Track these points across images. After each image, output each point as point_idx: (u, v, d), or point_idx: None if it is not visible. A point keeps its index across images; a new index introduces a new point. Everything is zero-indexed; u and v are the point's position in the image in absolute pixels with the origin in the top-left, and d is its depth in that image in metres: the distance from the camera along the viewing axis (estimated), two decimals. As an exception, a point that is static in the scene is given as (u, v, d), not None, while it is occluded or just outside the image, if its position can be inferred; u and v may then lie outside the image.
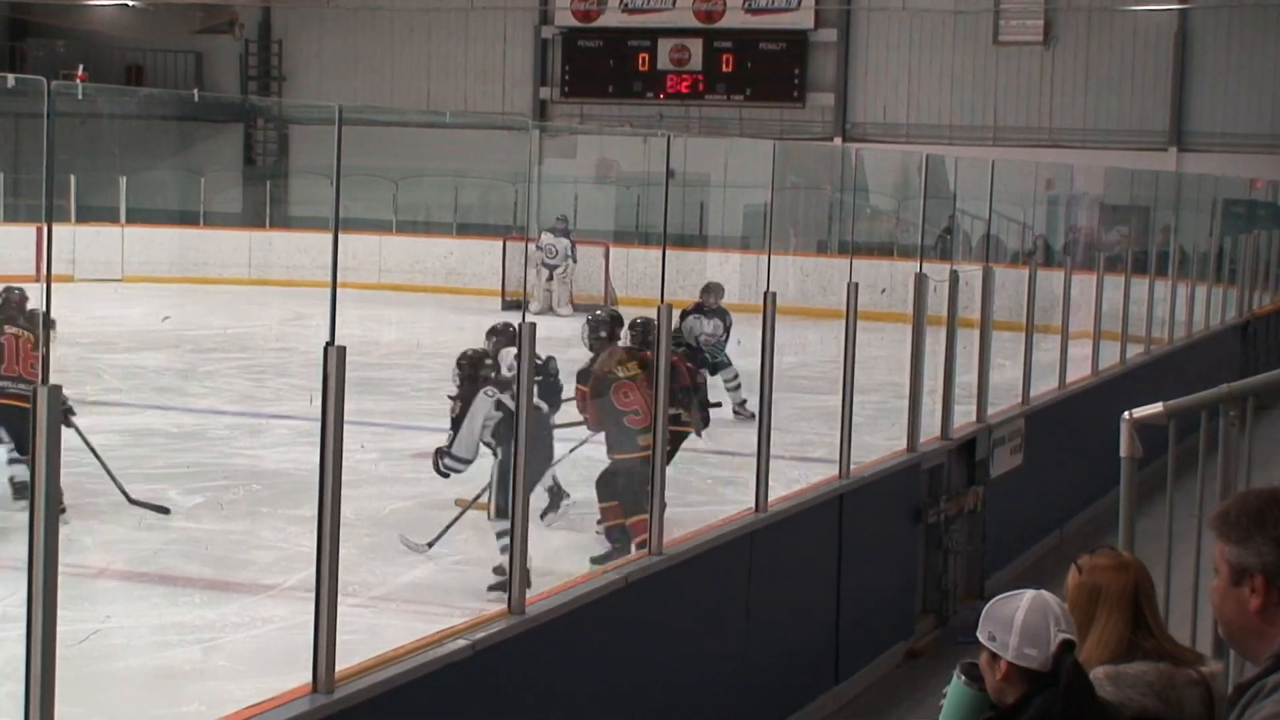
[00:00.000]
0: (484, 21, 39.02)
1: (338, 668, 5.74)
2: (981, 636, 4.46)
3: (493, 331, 12.13)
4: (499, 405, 10.49)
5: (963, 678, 4.53)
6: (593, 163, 36.38)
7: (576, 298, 28.44)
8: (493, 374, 10.91)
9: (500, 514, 10.15)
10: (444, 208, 36.33)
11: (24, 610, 4.65)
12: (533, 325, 7.08)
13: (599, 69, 38.45)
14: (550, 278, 28.85)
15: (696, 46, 37.83)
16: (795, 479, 11.18)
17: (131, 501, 12.20)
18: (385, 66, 39.71)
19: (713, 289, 17.78)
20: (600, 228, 32.76)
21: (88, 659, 8.40)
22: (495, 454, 10.47)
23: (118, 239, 33.16)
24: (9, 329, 12.93)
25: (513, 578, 6.85)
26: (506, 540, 8.51)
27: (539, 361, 11.87)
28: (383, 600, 9.96)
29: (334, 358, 5.60)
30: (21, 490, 11.33)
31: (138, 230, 33.81)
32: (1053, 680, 4.35)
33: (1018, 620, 4.40)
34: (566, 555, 10.94)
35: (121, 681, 8.34)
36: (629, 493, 10.64)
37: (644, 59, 38.15)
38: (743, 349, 15.45)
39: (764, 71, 37.20)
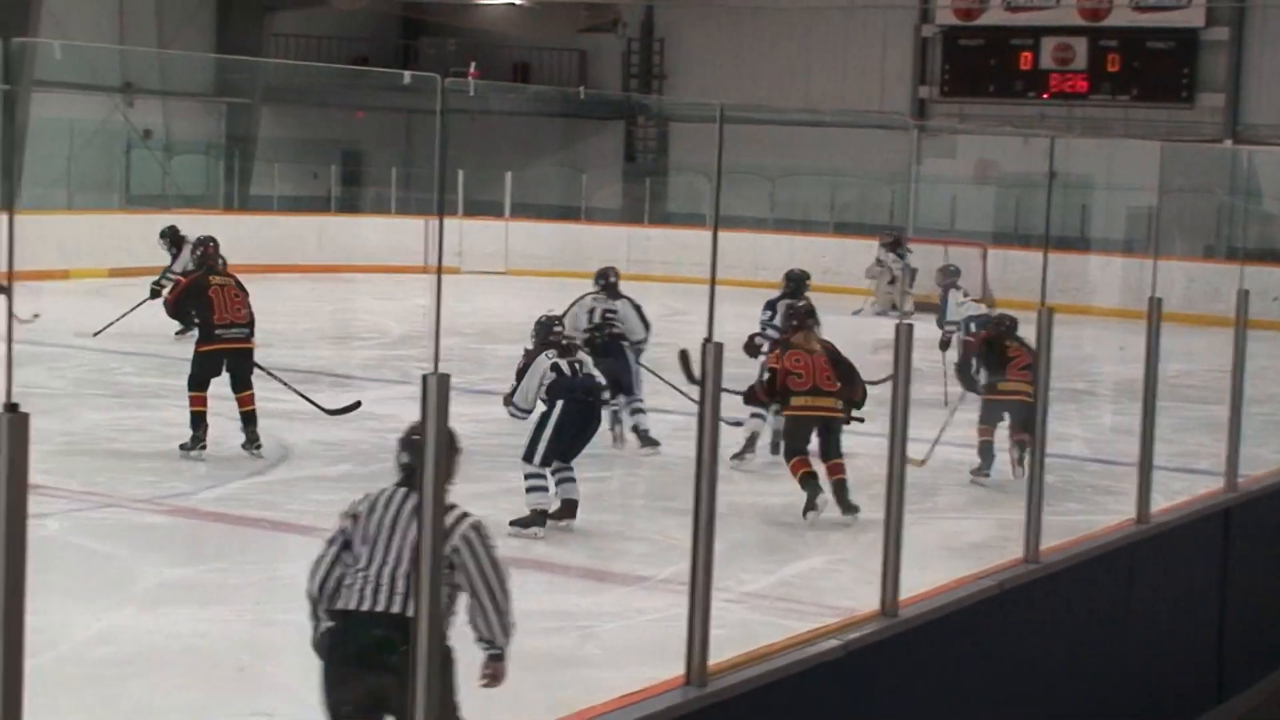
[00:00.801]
0: (864, 20, 38.85)
1: (710, 662, 5.75)
2: None
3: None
4: (554, 368, 11.89)
5: None
6: (972, 163, 35.95)
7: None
8: (561, 339, 12.42)
9: (527, 459, 11.85)
10: (821, 206, 36.32)
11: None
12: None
13: (980, 68, 38.00)
14: (892, 280, 28.85)
15: (1081, 45, 37.12)
16: (1178, 490, 10.88)
17: (330, 413, 14.13)
18: (764, 65, 39.81)
19: None
20: (978, 229, 32.36)
21: (467, 641, 8.59)
22: (549, 408, 11.82)
23: (502, 233, 33.95)
24: (215, 279, 14.42)
25: (886, 580, 6.78)
26: (532, 483, 11.72)
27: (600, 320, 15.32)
28: (756, 596, 9.98)
29: (712, 354, 5.61)
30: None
31: (521, 224, 34.57)
32: None
33: None
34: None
35: (499, 664, 8.50)
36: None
37: (1026, 58, 37.58)
38: (1125, 355, 15.09)
39: (1151, 71, 36.31)
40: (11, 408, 3.65)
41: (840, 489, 12.17)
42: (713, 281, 6.31)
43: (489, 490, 12.60)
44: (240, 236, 32.26)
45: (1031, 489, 7.83)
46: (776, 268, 33.18)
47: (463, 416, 15.15)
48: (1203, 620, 9.41)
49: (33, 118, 30.55)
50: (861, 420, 12.34)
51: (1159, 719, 8.97)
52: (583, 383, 11.88)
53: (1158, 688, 8.96)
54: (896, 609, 6.75)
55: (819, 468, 12.25)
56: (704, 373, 5.65)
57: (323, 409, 14.38)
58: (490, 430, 15.25)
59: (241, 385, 13.89)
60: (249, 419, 13.77)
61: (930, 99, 38.82)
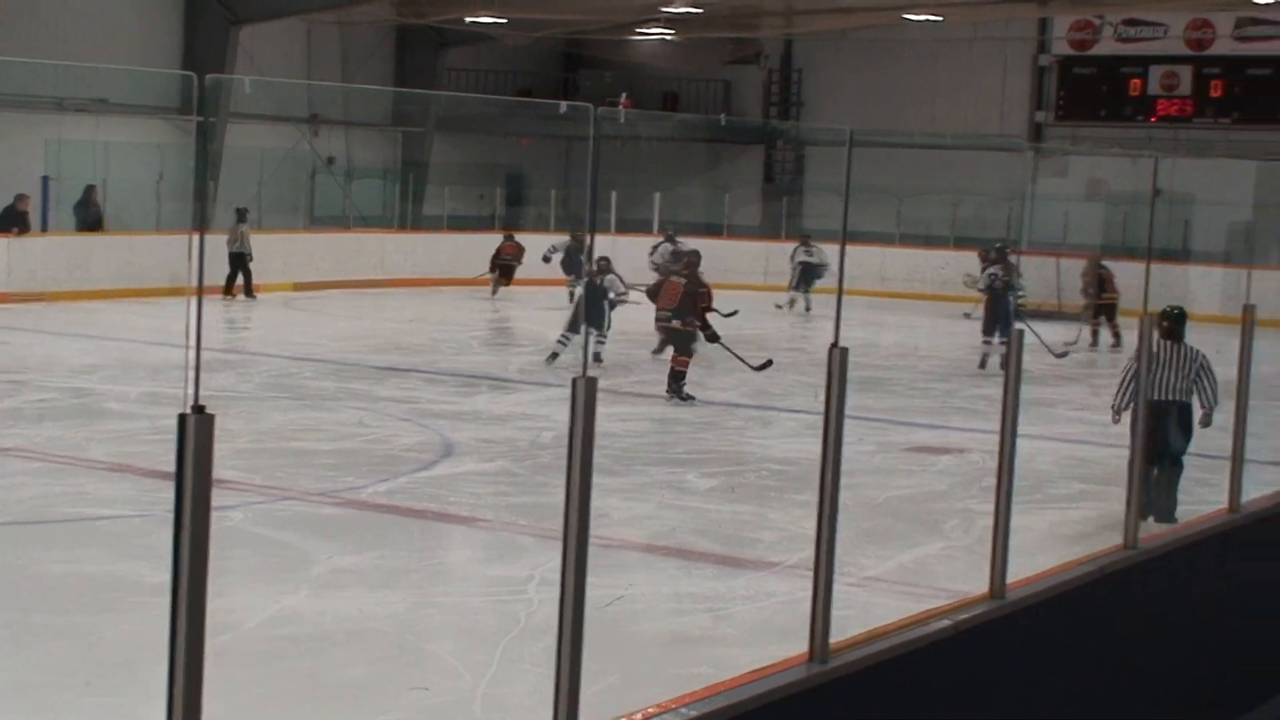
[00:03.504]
0: (985, 50, 38.54)
1: (832, 640, 5.74)
2: None
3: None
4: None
5: None
6: (1083, 181, 35.56)
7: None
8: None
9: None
10: (943, 222, 36.04)
11: (559, 575, 4.80)
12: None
13: (1092, 94, 37.64)
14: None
15: (1186, 73, 36.64)
16: (1269, 481, 10.69)
17: (756, 369, 17.70)
18: (894, 92, 39.62)
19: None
20: (1088, 242, 31.96)
21: (611, 621, 8.63)
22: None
23: (650, 248, 33.99)
24: (674, 279, 18.01)
25: (995, 565, 6.73)
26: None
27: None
28: (875, 580, 9.93)
29: (838, 358, 5.60)
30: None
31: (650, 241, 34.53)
32: None
33: None
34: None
35: (640, 643, 8.53)
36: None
37: (1135, 84, 37.19)
38: (1220, 357, 14.86)
39: (1252, 96, 35.75)
40: (199, 409, 3.72)
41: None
42: (840, 291, 6.30)
43: (629, 485, 12.64)
44: (414, 251, 32.71)
45: (1131, 481, 7.75)
46: (901, 279, 33.23)
47: (611, 416, 15.32)
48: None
49: (227, 147, 31.06)
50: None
51: (1251, 697, 8.82)
52: None
53: (1250, 666, 8.82)
54: (1004, 591, 6.70)
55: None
56: (830, 375, 5.64)
57: (750, 365, 17.44)
58: (635, 430, 15.33)
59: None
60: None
61: (1046, 123, 38.45)
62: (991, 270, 22.10)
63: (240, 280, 27.33)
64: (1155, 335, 10.93)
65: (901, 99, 39.49)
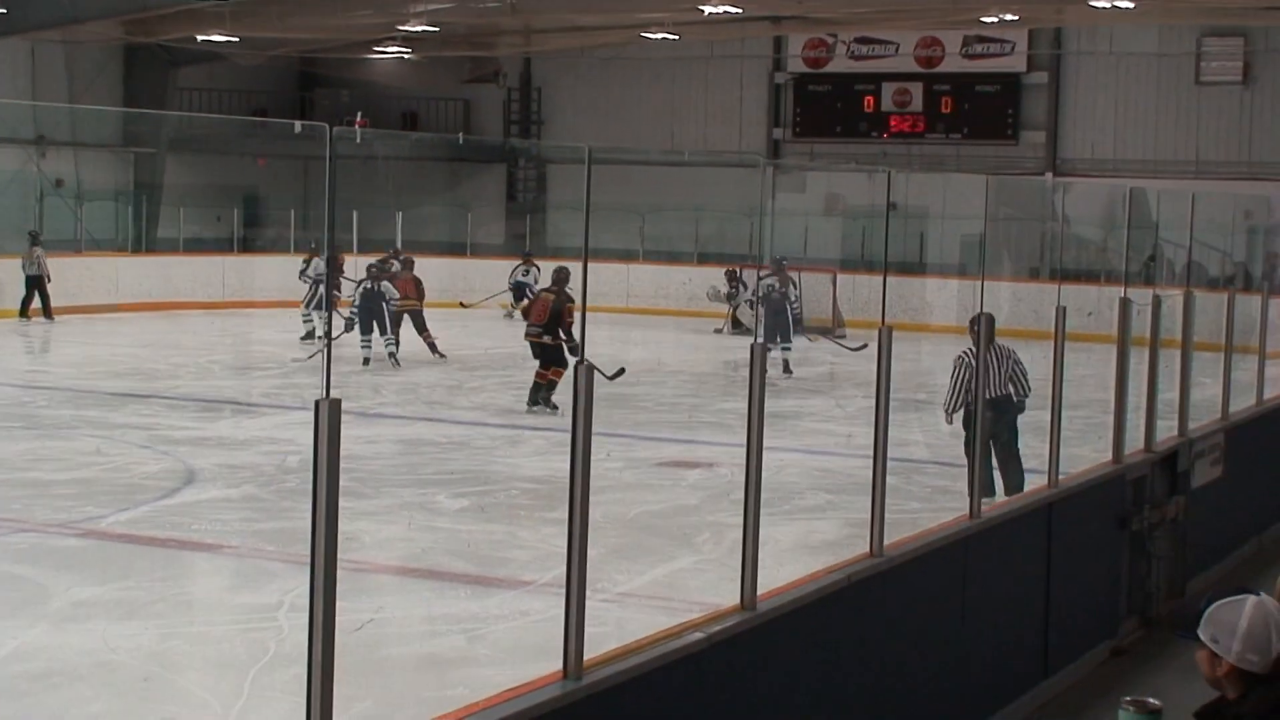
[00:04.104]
0: (723, 68, 39.12)
1: (586, 657, 5.77)
2: (1204, 636, 4.38)
3: None
4: None
5: (1131, 708, 4.54)
6: (821, 197, 36.27)
7: (811, 320, 28.42)
8: None
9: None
10: (685, 238, 36.46)
11: (308, 600, 4.75)
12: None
13: (827, 111, 38.38)
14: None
15: (917, 90, 37.58)
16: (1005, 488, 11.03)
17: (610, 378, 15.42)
18: (633, 111, 39.98)
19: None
20: (828, 256, 32.64)
21: (364, 646, 8.56)
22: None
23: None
24: (544, 294, 18.44)
25: (745, 577, 6.83)
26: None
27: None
28: (628, 596, 10.01)
29: (583, 375, 5.63)
30: None
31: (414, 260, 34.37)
32: (1273, 678, 4.30)
33: (1241, 627, 4.33)
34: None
35: (394, 667, 8.48)
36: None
37: (869, 101, 38.02)
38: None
39: (980, 112, 36.82)
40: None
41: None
42: (584, 309, 6.34)
43: (378, 507, 12.55)
44: (148, 276, 32.03)
45: (875, 491, 7.91)
46: (646, 295, 33.53)
47: (358, 438, 15.16)
48: (1030, 604, 9.53)
49: (-50, 170, 30.13)
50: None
51: (995, 695, 9.08)
52: None
53: (992, 666, 9.08)
54: (755, 603, 6.79)
55: None
56: (576, 392, 5.66)
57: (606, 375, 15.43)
58: (382, 452, 15.21)
59: None
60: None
61: (783, 139, 39.11)
62: (768, 281, 22.94)
63: (38, 302, 27.29)
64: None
65: (642, 116, 39.88)
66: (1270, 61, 34.44)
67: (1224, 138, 34.82)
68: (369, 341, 22.21)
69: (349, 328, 22.22)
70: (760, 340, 23.97)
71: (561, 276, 18.78)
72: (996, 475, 12.38)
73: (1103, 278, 24.16)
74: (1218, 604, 4.41)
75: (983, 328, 10.55)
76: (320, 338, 23.31)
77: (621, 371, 16.75)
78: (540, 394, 18.17)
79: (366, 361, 21.93)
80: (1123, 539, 10.82)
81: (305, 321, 25.18)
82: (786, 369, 22.02)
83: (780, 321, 22.25)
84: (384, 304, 22.37)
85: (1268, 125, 34.40)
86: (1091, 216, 25.30)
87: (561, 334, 18.06)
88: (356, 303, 22.44)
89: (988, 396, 12.21)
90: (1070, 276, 26.96)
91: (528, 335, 18.57)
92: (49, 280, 27.30)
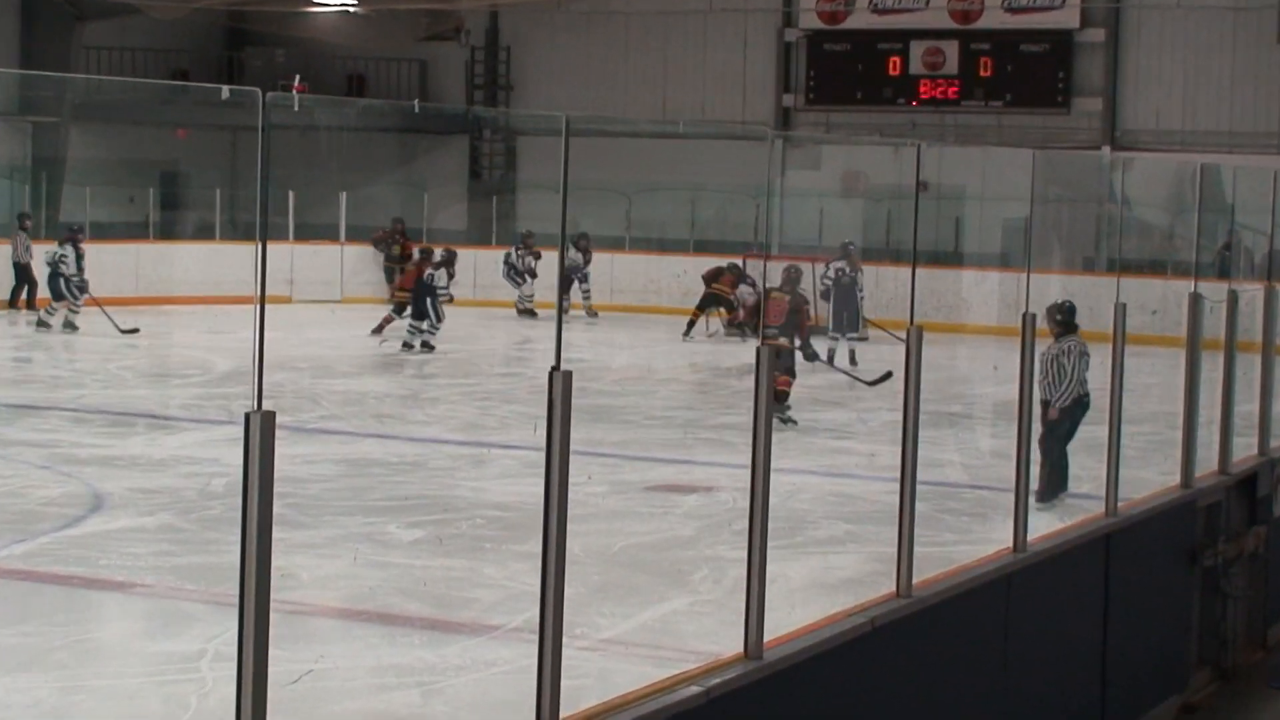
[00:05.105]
0: (723, 24, 39.09)
1: (563, 714, 5.77)
2: None
3: None
4: None
5: None
6: (839, 175, 36.28)
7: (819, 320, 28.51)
8: None
9: None
10: (680, 223, 36.47)
11: (235, 649, 4.74)
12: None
13: (846, 74, 38.31)
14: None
15: (952, 49, 37.55)
16: (1059, 517, 11.05)
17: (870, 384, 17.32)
18: (618, 74, 39.94)
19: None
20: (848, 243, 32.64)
21: (301, 701, 8.54)
22: None
23: (337, 257, 33.79)
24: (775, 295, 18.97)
25: (749, 621, 6.84)
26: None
27: None
28: (612, 643, 10.00)
29: (559, 384, 5.64)
30: None
31: (358, 249, 34.41)
32: None
33: None
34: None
35: (337, 725, 8.48)
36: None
37: (895, 63, 37.94)
38: (999, 375, 15.34)
39: (1025, 75, 36.81)
40: None
41: None
42: (560, 306, 6.34)
43: (318, 539, 12.54)
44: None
45: (903, 520, 7.93)
46: (634, 291, 33.54)
47: (295, 458, 15.19)
48: (1084, 654, 9.55)
49: None
50: None
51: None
52: None
53: (1035, 714, 9.09)
54: (761, 651, 6.81)
55: None
56: (551, 403, 5.67)
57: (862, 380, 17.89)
58: (323, 474, 15.20)
59: None
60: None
61: (795, 107, 39.09)
62: (838, 264, 25.03)
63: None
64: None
65: (628, 81, 39.86)
66: (1365, 16, 34.50)
67: (1312, 105, 34.90)
68: (422, 327, 25.48)
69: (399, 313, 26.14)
70: (829, 330, 25.52)
71: (795, 275, 19.67)
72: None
73: (1169, 270, 24.23)
74: None
75: (1027, 325, 10.60)
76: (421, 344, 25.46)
77: (888, 376, 17.74)
78: (777, 404, 18.36)
79: (410, 347, 25.15)
80: (1193, 577, 10.85)
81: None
82: (853, 360, 23.33)
83: (850, 309, 24.31)
84: (434, 293, 25.81)
85: (1361, 90, 34.47)
86: (1156, 198, 25.32)
87: (798, 339, 19.07)
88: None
89: (1078, 394, 12.92)
90: (1131, 268, 26.89)
91: (765, 340, 18.73)
92: None
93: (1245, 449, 11.81)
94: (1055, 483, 12.83)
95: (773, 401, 17.47)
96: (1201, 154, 30.63)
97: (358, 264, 34.05)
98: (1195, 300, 10.87)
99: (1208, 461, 11.16)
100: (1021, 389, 9.04)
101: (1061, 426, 12.37)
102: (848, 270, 24.83)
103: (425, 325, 25.63)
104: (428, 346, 25.36)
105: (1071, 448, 13.29)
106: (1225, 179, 14.41)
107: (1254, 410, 12.10)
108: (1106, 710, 9.68)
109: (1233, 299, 11.45)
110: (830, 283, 25.00)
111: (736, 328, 28.02)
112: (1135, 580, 9.92)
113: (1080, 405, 13.06)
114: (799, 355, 19.00)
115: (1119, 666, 9.71)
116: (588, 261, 30.99)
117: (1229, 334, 11.40)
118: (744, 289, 28.56)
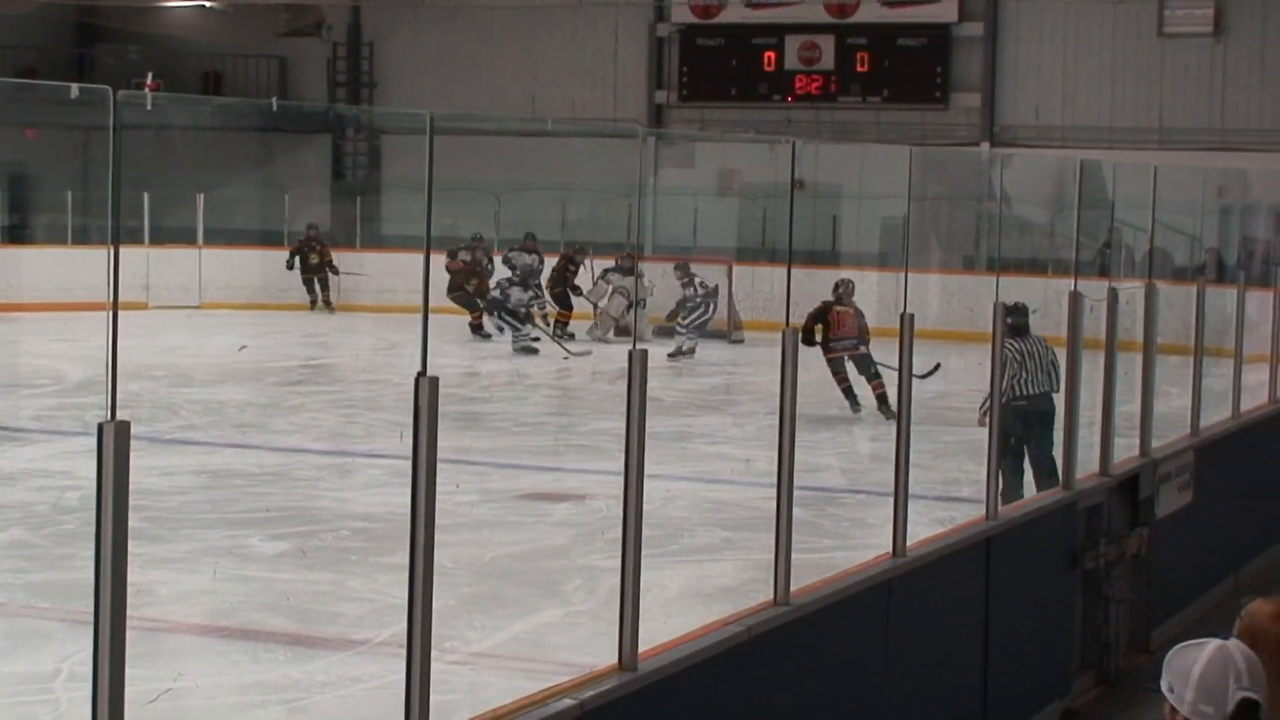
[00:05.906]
0: (593, 18, 39.13)
1: (433, 730, 5.77)
2: (1162, 687, 4.43)
3: None
4: None
5: None
6: (713, 173, 36.39)
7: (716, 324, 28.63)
8: None
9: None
10: (550, 224, 36.45)
11: (90, 668, 4.71)
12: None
13: (720, 69, 38.39)
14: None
15: (828, 44, 37.74)
16: (940, 520, 11.15)
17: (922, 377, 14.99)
18: (485, 70, 39.87)
19: None
20: (722, 244, 32.79)
21: (161, 720, 8.50)
22: None
23: (194, 262, 33.54)
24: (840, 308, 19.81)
25: (623, 632, 6.86)
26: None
27: None
28: (484, 656, 10.01)
29: (425, 389, 5.63)
30: None
31: (217, 252, 34.18)
32: None
33: (1195, 673, 4.36)
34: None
35: (198, 746, 8.44)
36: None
37: (770, 58, 38.08)
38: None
39: (902, 70, 37.05)
40: None
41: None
42: (425, 309, 6.34)
43: (177, 553, 12.46)
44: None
45: (780, 526, 7.97)
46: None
47: (152, 469, 15.08)
48: (966, 660, 9.64)
49: None
50: None
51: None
52: None
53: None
54: (636, 662, 6.82)
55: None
56: (417, 411, 5.66)
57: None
58: (182, 485, 15.10)
59: None
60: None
61: (668, 104, 39.16)
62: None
63: None
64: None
65: (496, 77, 39.79)
66: (1246, 9, 34.95)
67: (1192, 101, 35.32)
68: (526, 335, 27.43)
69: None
70: (693, 344, 26.14)
71: (850, 289, 20.55)
72: (1028, 480, 13.20)
73: (1050, 268, 24.51)
74: (1178, 648, 4.48)
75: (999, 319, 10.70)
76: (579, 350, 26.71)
77: (937, 368, 18.26)
78: (882, 406, 19.41)
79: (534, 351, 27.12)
80: (1074, 580, 10.97)
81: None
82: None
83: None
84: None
85: (1243, 86, 34.91)
86: (1036, 195, 25.58)
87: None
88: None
89: (1029, 393, 13.49)
90: (1011, 267, 27.24)
91: (841, 350, 19.96)
92: None
93: (1127, 450, 11.95)
94: (1009, 499, 12.64)
95: (882, 406, 18.95)
96: (1081, 149, 30.91)
97: (216, 268, 33.72)
98: (1076, 299, 10.98)
99: (1089, 463, 11.29)
100: (901, 392, 9.11)
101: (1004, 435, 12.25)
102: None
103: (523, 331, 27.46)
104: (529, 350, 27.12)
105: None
106: (1106, 175, 14.58)
107: (1135, 411, 12.24)
108: (988, 716, 9.78)
109: (1113, 297, 11.57)
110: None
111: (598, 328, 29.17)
112: (1016, 585, 10.02)
113: (1018, 412, 13.31)
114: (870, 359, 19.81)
115: (1001, 672, 9.81)
116: (541, 262, 30.59)
117: (1110, 333, 11.53)
118: (614, 277, 28.68)
